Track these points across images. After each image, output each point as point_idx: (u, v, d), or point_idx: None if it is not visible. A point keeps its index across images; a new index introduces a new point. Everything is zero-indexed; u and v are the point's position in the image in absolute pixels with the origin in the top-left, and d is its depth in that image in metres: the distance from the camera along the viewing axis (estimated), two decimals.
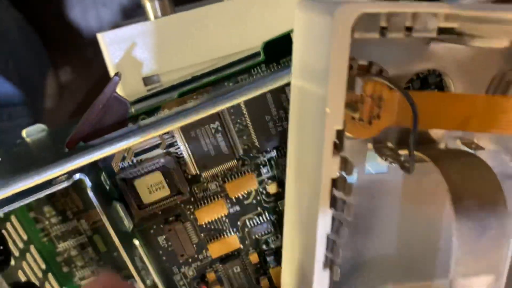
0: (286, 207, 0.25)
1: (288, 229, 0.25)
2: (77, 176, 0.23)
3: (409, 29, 0.19)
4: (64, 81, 0.66)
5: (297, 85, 0.22)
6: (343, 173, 0.20)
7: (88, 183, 0.23)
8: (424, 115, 0.21)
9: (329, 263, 0.21)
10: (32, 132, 0.30)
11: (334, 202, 0.20)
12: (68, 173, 0.23)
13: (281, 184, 0.28)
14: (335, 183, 0.20)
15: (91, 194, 0.23)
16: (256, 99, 0.25)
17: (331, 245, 0.21)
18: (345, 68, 0.17)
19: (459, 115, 0.22)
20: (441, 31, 0.19)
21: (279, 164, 0.28)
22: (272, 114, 0.26)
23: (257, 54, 0.27)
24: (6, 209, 0.23)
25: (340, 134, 0.19)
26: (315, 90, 0.20)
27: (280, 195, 0.28)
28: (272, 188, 0.28)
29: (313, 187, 0.20)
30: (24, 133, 0.30)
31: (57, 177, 0.23)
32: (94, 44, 0.33)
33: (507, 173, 0.26)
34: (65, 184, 0.23)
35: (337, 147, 0.19)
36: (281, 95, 0.26)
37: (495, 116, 0.22)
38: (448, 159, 0.22)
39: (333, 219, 0.20)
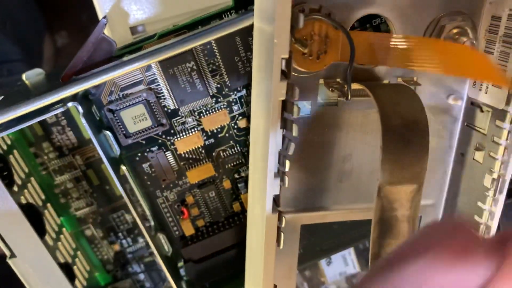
0: (251, 136, 0.29)
1: (251, 152, 0.29)
2: (70, 104, 0.27)
3: None
4: (60, 45, 0.69)
5: (257, 27, 0.26)
6: (291, 99, 0.24)
7: (80, 110, 0.27)
8: (363, 52, 0.25)
9: (280, 174, 0.25)
10: (31, 75, 0.34)
11: (284, 123, 0.24)
12: (62, 101, 0.27)
13: (249, 119, 0.32)
14: (284, 106, 0.24)
15: (83, 120, 0.27)
16: (226, 41, 0.29)
17: (282, 159, 0.25)
18: (288, 6, 0.21)
19: (394, 53, 0.26)
20: None
21: (249, 102, 0.31)
22: (241, 55, 0.30)
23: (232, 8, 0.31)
24: (11, 130, 0.27)
25: (287, 63, 0.23)
26: (268, 28, 0.24)
27: (249, 130, 0.32)
28: (242, 123, 0.32)
29: (266, 110, 0.24)
30: (23, 76, 0.34)
31: (53, 104, 0.27)
32: (89, 9, 0.37)
33: (443, 108, 0.30)
34: (60, 110, 0.27)
35: (285, 74, 0.23)
36: (248, 38, 0.30)
37: (427, 55, 0.26)
38: (381, 88, 0.26)
39: (283, 138, 0.25)
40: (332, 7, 0.26)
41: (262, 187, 0.26)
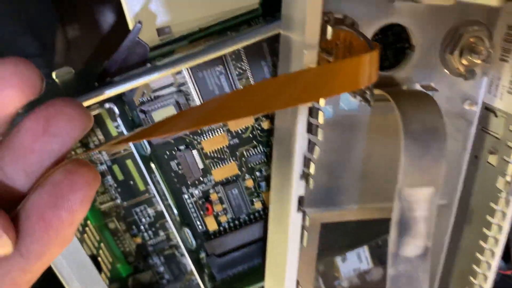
0: (275, 138, 0.31)
1: (275, 153, 0.31)
2: (107, 105, 0.29)
3: None
4: (71, 37, 0.70)
5: (284, 35, 0.27)
6: (316, 105, 0.25)
7: (116, 111, 0.29)
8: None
9: (305, 176, 0.27)
10: (61, 74, 0.35)
11: (309, 127, 0.26)
12: (99, 103, 0.29)
13: (273, 121, 0.33)
14: (310, 111, 0.25)
15: (119, 120, 0.29)
16: (253, 46, 0.30)
17: (307, 162, 0.26)
18: (318, 18, 0.22)
19: None
20: None
21: None
22: (267, 60, 0.32)
23: (256, 10, 0.32)
24: None
25: None
26: (295, 37, 0.25)
27: (272, 131, 0.34)
28: (265, 124, 0.34)
29: (292, 115, 0.26)
30: (54, 74, 0.35)
31: (90, 106, 0.28)
32: (100, 2, 0.38)
33: (458, 112, 0.31)
34: (98, 110, 0.28)
35: None
36: (275, 44, 0.31)
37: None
38: (402, 95, 0.27)
39: (309, 141, 0.26)
40: (355, 17, 0.27)
41: (287, 187, 0.27)
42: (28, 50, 0.62)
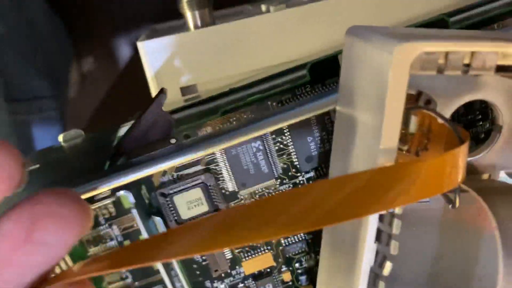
0: (324, 231, 0.25)
1: (324, 251, 0.25)
2: (121, 193, 0.23)
3: (467, 65, 0.18)
4: (87, 70, 0.67)
5: (343, 112, 0.22)
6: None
7: (131, 200, 0.23)
8: None
9: None
10: (69, 137, 0.30)
11: (379, 236, 0.20)
12: (110, 189, 0.23)
13: None
14: (381, 216, 0.20)
15: (134, 211, 0.23)
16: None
17: (374, 278, 0.21)
18: (401, 108, 0.17)
19: None
20: (500, 68, 0.19)
21: None
22: (314, 135, 0.26)
23: (295, 69, 0.27)
24: None
25: None
26: (365, 121, 0.20)
27: None
28: None
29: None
30: (60, 138, 0.30)
31: (97, 195, 0.23)
32: (117, 35, 0.34)
33: None
34: (108, 201, 0.23)
35: None
36: (324, 117, 0.26)
37: None
38: (496, 194, 0.21)
39: (378, 252, 0.20)
40: (432, 93, 0.22)
41: None
42: (44, 92, 0.58)
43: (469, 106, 0.26)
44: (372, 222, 0.19)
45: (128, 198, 0.23)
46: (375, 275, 0.20)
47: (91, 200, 0.23)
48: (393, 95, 0.17)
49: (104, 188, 0.22)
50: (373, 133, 0.19)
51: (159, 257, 0.16)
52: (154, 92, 0.33)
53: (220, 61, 0.33)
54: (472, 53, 0.18)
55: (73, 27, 0.61)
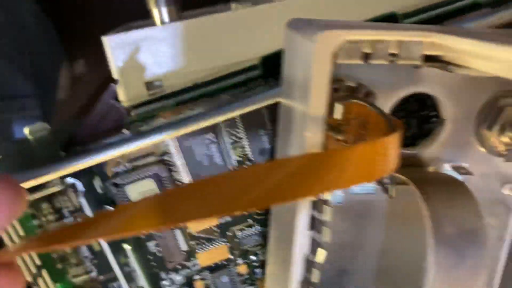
0: (272, 221, 0.25)
1: (271, 243, 0.26)
2: (69, 180, 0.24)
3: (394, 55, 0.19)
4: (78, 73, 0.67)
5: (285, 103, 0.23)
6: (322, 195, 0.20)
7: (80, 188, 0.24)
8: None
9: (306, 284, 0.21)
10: (35, 130, 0.31)
11: (312, 223, 0.20)
12: (61, 176, 0.24)
13: None
14: (314, 204, 0.20)
15: (82, 200, 0.24)
16: (251, 112, 0.25)
17: (309, 265, 0.21)
18: (324, 96, 0.18)
19: None
20: (428, 58, 0.19)
21: None
22: (267, 128, 0.27)
23: (255, 67, 0.28)
24: None
25: None
26: (299, 110, 0.20)
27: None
28: None
29: (292, 206, 0.21)
30: (26, 130, 0.31)
31: (49, 182, 0.24)
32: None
33: (496, 198, 0.26)
34: (57, 188, 0.24)
35: None
36: (276, 110, 0.26)
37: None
38: (431, 185, 0.22)
39: (312, 239, 0.21)
40: (372, 85, 0.22)
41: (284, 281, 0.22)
42: (26, 91, 0.59)
43: (422, 102, 0.26)
44: (303, 208, 0.20)
45: (76, 186, 0.24)
46: (309, 263, 0.21)
47: (41, 187, 0.24)
48: (316, 83, 0.17)
49: (53, 176, 0.23)
50: (303, 119, 0.19)
51: (86, 236, 0.17)
52: (120, 88, 0.34)
53: (185, 57, 0.33)
54: (399, 43, 0.18)
55: (65, 30, 0.62)
